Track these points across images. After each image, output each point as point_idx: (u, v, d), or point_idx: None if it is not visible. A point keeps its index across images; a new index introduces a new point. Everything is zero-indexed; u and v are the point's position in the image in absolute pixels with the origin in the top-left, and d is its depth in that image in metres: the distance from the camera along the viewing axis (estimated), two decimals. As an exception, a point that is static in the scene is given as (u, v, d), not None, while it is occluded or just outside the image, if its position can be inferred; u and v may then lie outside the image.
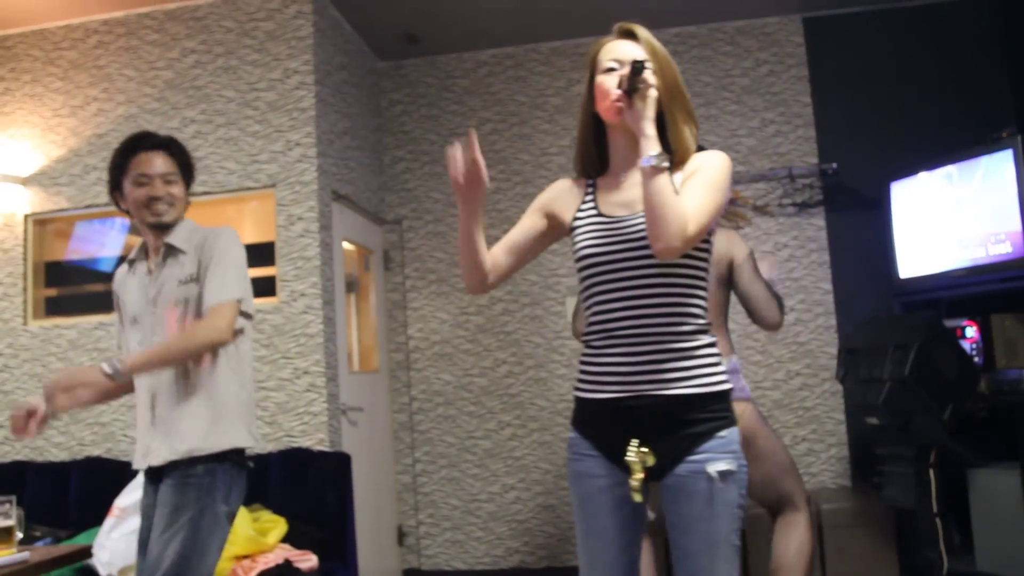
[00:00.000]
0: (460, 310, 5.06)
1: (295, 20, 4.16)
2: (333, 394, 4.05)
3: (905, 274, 4.32)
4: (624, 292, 1.80)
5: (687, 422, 1.77)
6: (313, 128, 4.08)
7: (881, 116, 4.72)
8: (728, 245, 2.90)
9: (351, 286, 4.96)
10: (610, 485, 1.83)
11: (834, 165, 4.69)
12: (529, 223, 1.99)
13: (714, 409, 1.79)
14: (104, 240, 4.59)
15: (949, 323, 4.00)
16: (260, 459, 3.66)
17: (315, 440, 3.87)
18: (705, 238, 1.83)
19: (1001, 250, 3.81)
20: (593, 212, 1.90)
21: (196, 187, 4.07)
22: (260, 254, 4.03)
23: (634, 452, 1.75)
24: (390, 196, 5.19)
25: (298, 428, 3.94)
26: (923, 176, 4.20)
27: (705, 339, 1.82)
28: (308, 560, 3.36)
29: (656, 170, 1.69)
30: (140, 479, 3.46)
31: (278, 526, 3.44)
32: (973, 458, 3.73)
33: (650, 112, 1.75)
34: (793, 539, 2.93)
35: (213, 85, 4.20)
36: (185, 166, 2.53)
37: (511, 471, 4.93)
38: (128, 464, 3.82)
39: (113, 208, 4.21)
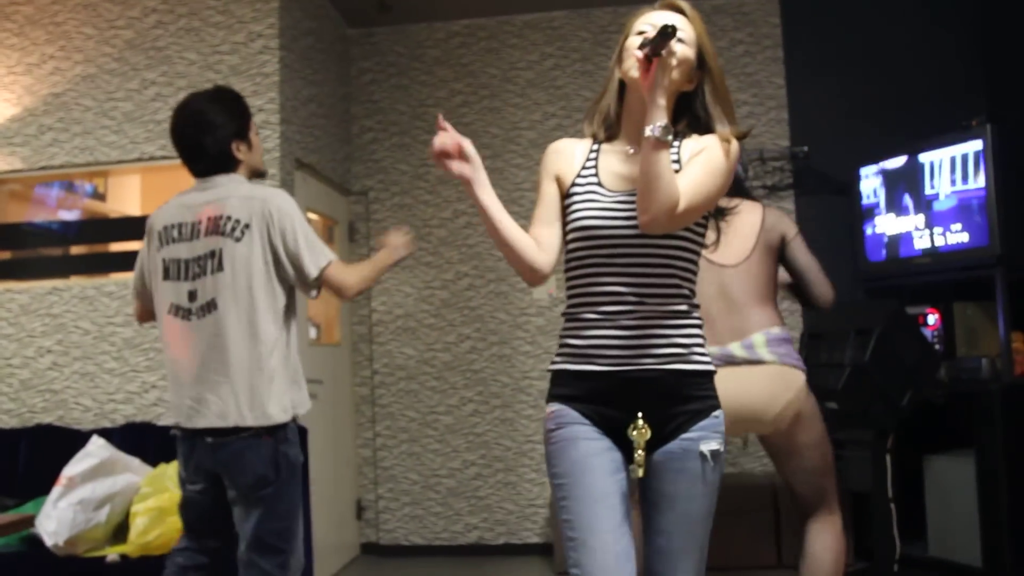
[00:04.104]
0: (425, 284, 5.01)
1: (261, -18, 4.05)
2: (292, 366, 3.99)
3: (871, 260, 4.32)
4: (623, 268, 1.76)
5: (684, 399, 1.76)
6: (277, 94, 3.99)
7: (854, 100, 4.69)
8: (777, 220, 2.83)
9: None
10: (608, 448, 1.77)
11: (805, 148, 4.67)
12: (552, 191, 1.89)
13: (708, 388, 1.80)
14: (63, 203, 4.49)
15: (912, 310, 4.01)
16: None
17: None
18: (701, 220, 1.81)
19: (967, 239, 3.81)
20: (594, 181, 1.84)
21: (155, 151, 4.05)
22: (220, 221, 3.94)
23: (639, 426, 1.74)
24: (356, 166, 5.10)
25: (255, 400, 3.88)
26: (893, 162, 4.19)
27: (696, 319, 1.82)
28: (259, 533, 3.31)
29: (659, 143, 1.63)
30: (90, 448, 3.43)
31: (230, 498, 3.39)
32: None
33: (665, 81, 1.66)
34: (832, 545, 2.78)
35: (175, 47, 4.09)
36: None
37: (472, 447, 4.90)
38: (79, 432, 3.75)
39: (68, 170, 4.19)
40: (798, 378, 2.69)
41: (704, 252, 2.67)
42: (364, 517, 5.00)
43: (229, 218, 2.44)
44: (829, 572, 2.74)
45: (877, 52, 4.72)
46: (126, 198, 4.88)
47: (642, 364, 1.75)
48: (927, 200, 4.00)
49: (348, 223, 5.08)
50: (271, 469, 2.42)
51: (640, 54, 1.67)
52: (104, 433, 3.62)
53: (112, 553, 3.23)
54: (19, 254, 4.36)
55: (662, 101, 1.65)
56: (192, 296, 2.46)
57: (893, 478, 3.54)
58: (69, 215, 4.50)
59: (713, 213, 2.69)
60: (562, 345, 1.85)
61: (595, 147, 1.90)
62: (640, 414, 1.74)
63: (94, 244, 4.44)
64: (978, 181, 3.74)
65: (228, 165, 2.53)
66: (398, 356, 5.01)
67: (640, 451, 1.74)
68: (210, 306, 2.44)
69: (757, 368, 2.65)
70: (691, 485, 1.75)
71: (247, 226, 2.43)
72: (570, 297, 1.84)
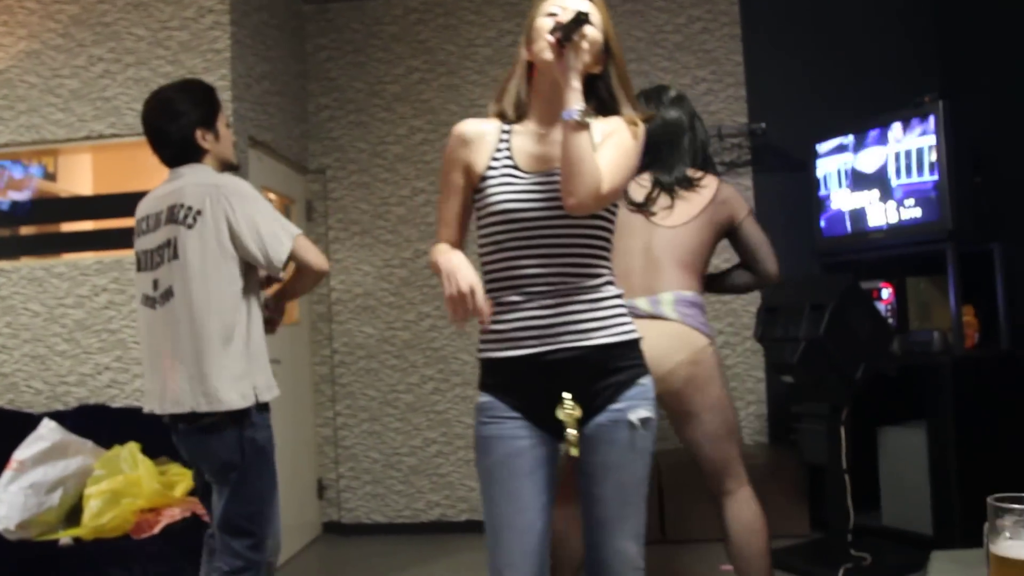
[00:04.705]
0: (384, 262, 4.97)
1: (211, -45, 3.96)
2: (248, 346, 3.95)
3: (827, 235, 4.36)
4: (542, 249, 1.78)
5: (609, 371, 1.79)
6: (228, 71, 3.92)
7: (812, 77, 4.71)
8: (730, 197, 2.84)
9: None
10: (531, 446, 1.81)
11: (763, 125, 4.69)
12: (459, 183, 1.89)
13: (633, 357, 1.83)
14: (11, 183, 4.38)
15: (866, 285, 4.05)
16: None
17: None
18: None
19: (919, 214, 3.85)
20: (509, 164, 1.84)
21: (104, 130, 3.96)
22: (173, 201, 3.88)
23: (569, 407, 1.75)
24: (313, 144, 5.04)
25: (211, 381, 3.84)
26: (848, 139, 4.22)
27: (613, 290, 1.85)
28: (216, 514, 3.29)
29: (579, 125, 1.67)
30: (41, 431, 3.38)
31: (186, 479, 3.35)
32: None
33: (579, 64, 1.71)
34: (751, 521, 2.71)
35: (122, 22, 3.99)
36: None
37: (433, 425, 4.90)
38: (31, 415, 3.69)
39: (14, 149, 4.09)
40: (697, 340, 2.67)
41: (653, 216, 2.77)
42: (325, 496, 4.99)
43: (182, 206, 2.45)
44: (756, 550, 2.70)
45: (834, 29, 4.75)
46: (77, 178, 4.79)
47: (565, 342, 1.77)
48: (880, 175, 4.04)
49: (305, 202, 5.03)
50: (236, 454, 2.42)
51: (552, 38, 1.70)
52: (57, 416, 3.57)
53: (65, 536, 3.19)
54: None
55: (577, 84, 1.70)
56: (156, 285, 2.49)
57: (847, 450, 3.59)
58: (18, 195, 4.40)
59: (675, 182, 2.77)
60: (484, 331, 1.85)
61: (506, 128, 1.89)
62: (569, 395, 1.76)
63: (44, 224, 4.36)
64: (929, 157, 3.78)
65: (193, 154, 2.53)
66: (358, 335, 4.98)
67: (572, 431, 1.76)
68: (168, 294, 2.46)
69: (657, 323, 2.64)
70: (623, 454, 1.80)
71: (199, 212, 2.43)
72: (488, 282, 1.84)
